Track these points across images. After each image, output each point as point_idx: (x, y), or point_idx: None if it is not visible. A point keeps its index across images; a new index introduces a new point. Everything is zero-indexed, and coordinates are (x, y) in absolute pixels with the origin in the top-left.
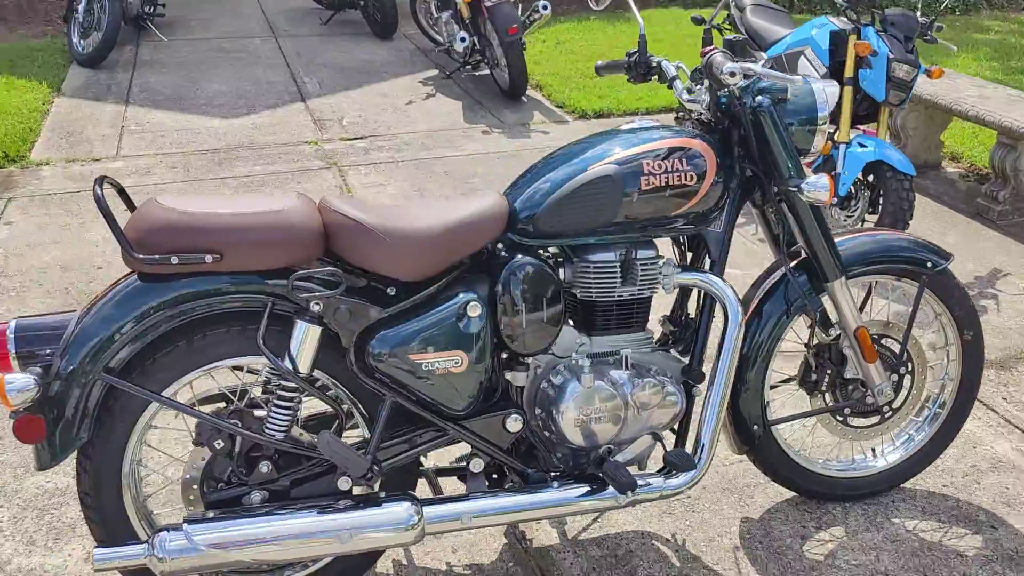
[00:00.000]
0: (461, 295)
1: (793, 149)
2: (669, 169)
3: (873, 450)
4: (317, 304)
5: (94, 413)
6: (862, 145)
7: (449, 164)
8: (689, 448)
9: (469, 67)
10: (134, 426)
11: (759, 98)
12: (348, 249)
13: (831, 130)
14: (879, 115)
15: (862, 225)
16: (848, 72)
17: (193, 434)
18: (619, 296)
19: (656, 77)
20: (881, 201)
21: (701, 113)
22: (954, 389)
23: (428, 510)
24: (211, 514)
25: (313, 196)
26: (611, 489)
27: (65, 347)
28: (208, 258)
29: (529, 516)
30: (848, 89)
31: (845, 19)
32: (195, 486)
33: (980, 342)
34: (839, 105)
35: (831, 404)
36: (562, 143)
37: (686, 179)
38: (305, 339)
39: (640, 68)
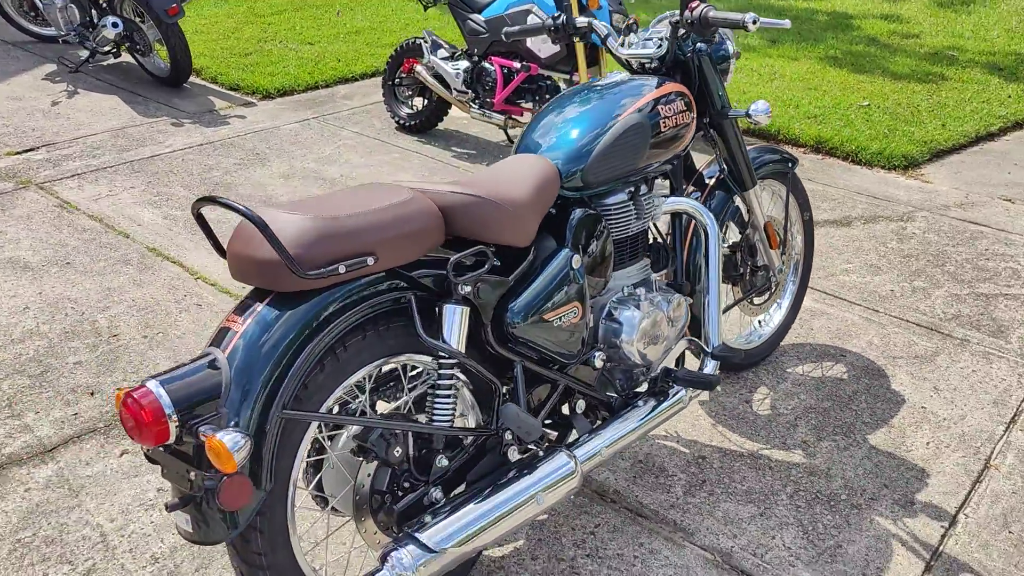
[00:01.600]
0: (561, 252)
1: (723, 84)
2: (675, 111)
3: (759, 321)
4: (467, 285)
5: (274, 459)
6: None
7: (168, 162)
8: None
9: (100, 56)
10: (295, 462)
11: (700, 44)
12: (472, 226)
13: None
14: (599, 59)
15: None
16: None
17: (357, 450)
18: (632, 231)
19: (578, 37)
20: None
21: (644, 62)
22: (801, 260)
23: (576, 452)
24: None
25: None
26: (675, 396)
27: (239, 393)
28: (370, 260)
29: (635, 436)
30: (577, 39)
31: None
32: (365, 506)
33: (812, 221)
34: (574, 54)
35: (749, 289)
36: (268, 125)
37: (685, 118)
38: (458, 321)
39: (568, 29)
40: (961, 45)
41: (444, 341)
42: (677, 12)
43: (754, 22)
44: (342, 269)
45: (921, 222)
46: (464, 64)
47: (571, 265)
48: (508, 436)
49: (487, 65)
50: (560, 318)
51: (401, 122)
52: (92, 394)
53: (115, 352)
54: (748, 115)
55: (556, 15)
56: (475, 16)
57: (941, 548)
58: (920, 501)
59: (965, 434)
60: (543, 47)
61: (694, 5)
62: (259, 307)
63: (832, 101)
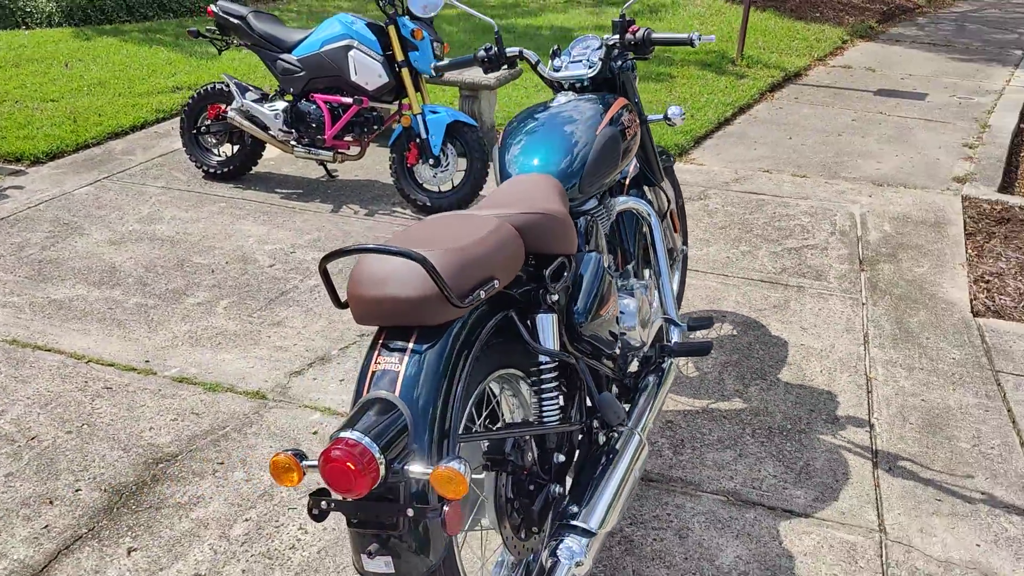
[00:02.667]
0: (592, 255)
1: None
2: (629, 121)
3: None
4: (555, 294)
5: None
6: (434, 112)
7: None
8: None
9: None
10: None
11: (626, 62)
12: (541, 240)
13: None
14: (420, 86)
15: (452, 177)
16: (399, 56)
17: (491, 464)
18: (605, 231)
19: (506, 65)
20: (467, 151)
21: (574, 83)
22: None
23: (638, 430)
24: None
25: None
26: (670, 367)
27: (424, 428)
28: (496, 283)
29: (660, 408)
30: (405, 70)
31: (359, 16)
32: (504, 515)
33: (684, 205)
34: (402, 84)
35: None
36: (56, 192)
37: (635, 126)
38: (552, 327)
39: (501, 60)
40: (672, 48)
41: (545, 346)
42: (609, 36)
43: (699, 38)
44: (482, 295)
45: (716, 198)
46: (281, 105)
47: (602, 265)
48: (595, 424)
49: (308, 104)
50: (607, 313)
51: (211, 170)
52: (51, 502)
53: (46, 455)
54: (667, 119)
55: (488, 47)
56: (286, 56)
57: (874, 447)
58: (841, 416)
59: (841, 358)
60: (370, 80)
61: (635, 29)
62: (411, 344)
63: None
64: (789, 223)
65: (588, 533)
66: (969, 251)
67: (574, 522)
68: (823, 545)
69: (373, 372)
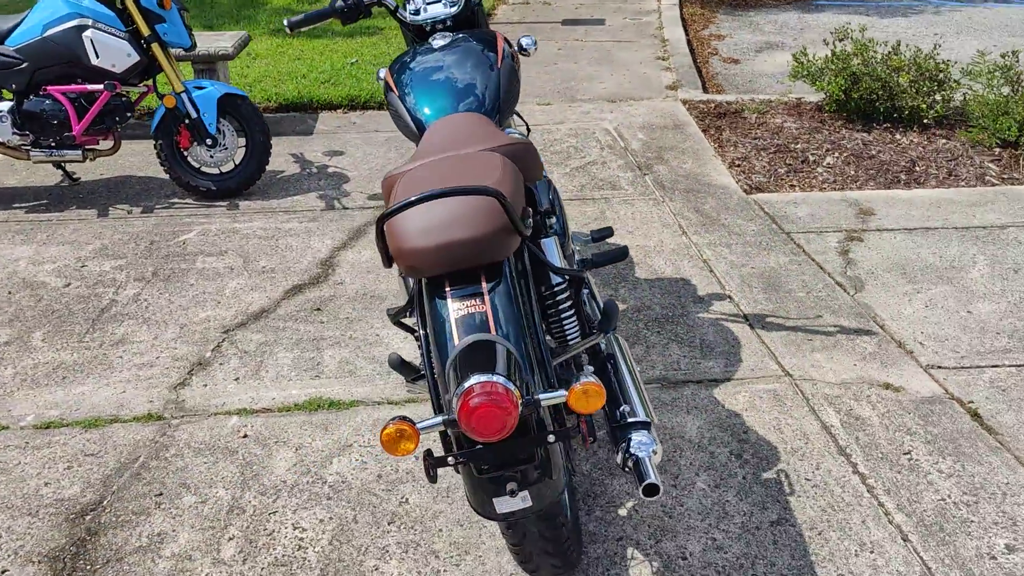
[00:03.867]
0: (545, 179)
1: None
2: (512, 53)
3: None
4: (551, 217)
5: None
6: (200, 87)
7: None
8: None
9: None
10: None
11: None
12: (528, 169)
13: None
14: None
15: (233, 156)
16: (145, 31)
17: None
18: None
19: (362, 14)
20: (245, 125)
21: (427, 23)
22: None
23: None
24: None
25: None
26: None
27: (523, 358)
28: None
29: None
30: (155, 44)
31: None
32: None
33: None
34: (155, 62)
35: None
36: None
37: (517, 57)
38: (556, 249)
39: (360, 8)
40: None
41: (555, 266)
42: None
43: None
44: (531, 222)
45: None
46: (5, 105)
47: (553, 187)
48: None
49: (40, 100)
50: (570, 230)
51: None
52: None
53: None
54: (523, 49)
55: None
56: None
57: (742, 312)
58: (704, 295)
59: (674, 249)
60: (118, 61)
61: None
62: (484, 284)
63: (333, 65)
64: (562, 146)
65: (646, 424)
66: (712, 144)
67: (630, 420)
68: (754, 398)
69: (456, 320)
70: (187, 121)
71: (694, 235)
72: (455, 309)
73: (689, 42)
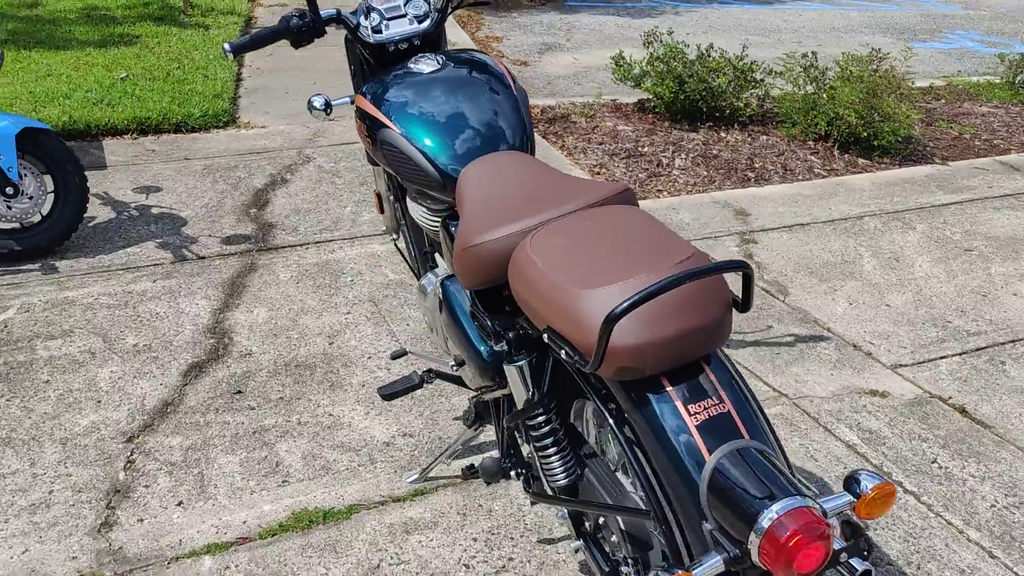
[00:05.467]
0: None
1: None
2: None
3: None
4: None
5: None
6: None
7: None
8: None
9: None
10: None
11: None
12: None
13: None
14: None
15: (39, 205)
16: None
17: None
18: None
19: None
20: (53, 165)
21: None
22: None
23: None
24: None
25: None
26: None
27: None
28: None
29: None
30: None
31: None
32: None
33: None
34: None
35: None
36: None
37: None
38: None
39: (316, 27)
40: (114, 5)
41: None
42: None
43: None
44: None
45: (322, 157)
46: None
47: None
48: None
49: None
50: None
51: None
52: None
53: None
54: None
55: (300, 12)
56: None
57: (735, 352)
58: None
59: None
60: None
61: None
62: (711, 376)
63: (101, 81)
64: None
65: None
66: (561, 152)
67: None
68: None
69: (699, 427)
70: None
71: None
72: (693, 413)
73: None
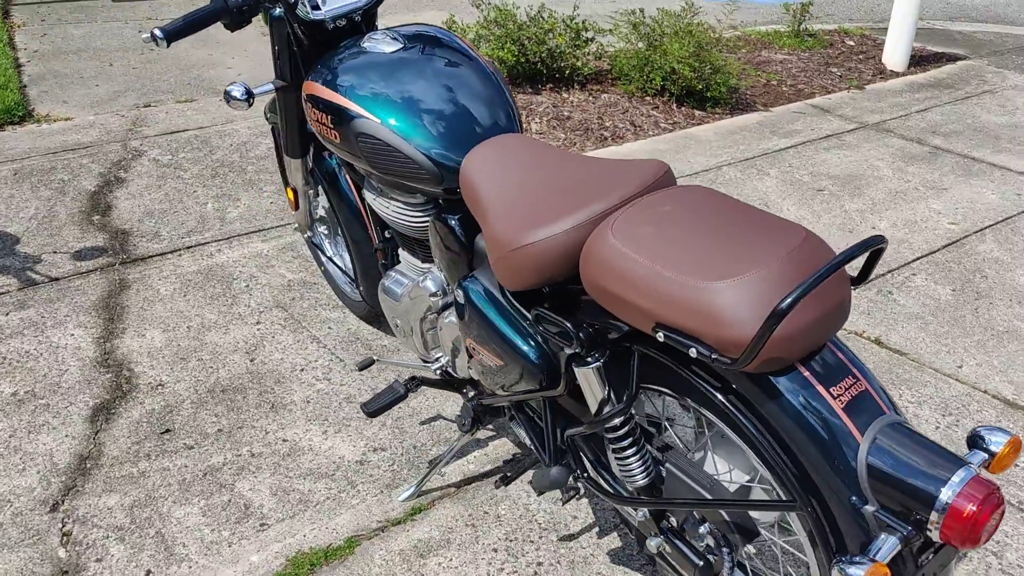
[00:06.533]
0: None
1: None
2: None
3: None
4: None
5: None
6: None
7: None
8: None
9: None
10: None
11: None
12: None
13: None
14: None
15: None
16: None
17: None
18: None
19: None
20: None
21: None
22: None
23: None
24: None
25: None
26: None
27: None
28: None
29: None
30: None
31: None
32: None
33: None
34: None
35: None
36: None
37: None
38: None
39: (255, 7)
40: None
41: None
42: None
43: None
44: None
45: (156, 150)
46: None
47: None
48: None
49: None
50: None
51: None
52: None
53: None
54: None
55: None
56: None
57: None
58: None
59: None
60: None
61: None
62: (842, 356)
63: None
64: (254, 149)
65: None
66: None
67: None
68: None
69: (845, 408)
70: None
71: None
72: (836, 396)
73: None
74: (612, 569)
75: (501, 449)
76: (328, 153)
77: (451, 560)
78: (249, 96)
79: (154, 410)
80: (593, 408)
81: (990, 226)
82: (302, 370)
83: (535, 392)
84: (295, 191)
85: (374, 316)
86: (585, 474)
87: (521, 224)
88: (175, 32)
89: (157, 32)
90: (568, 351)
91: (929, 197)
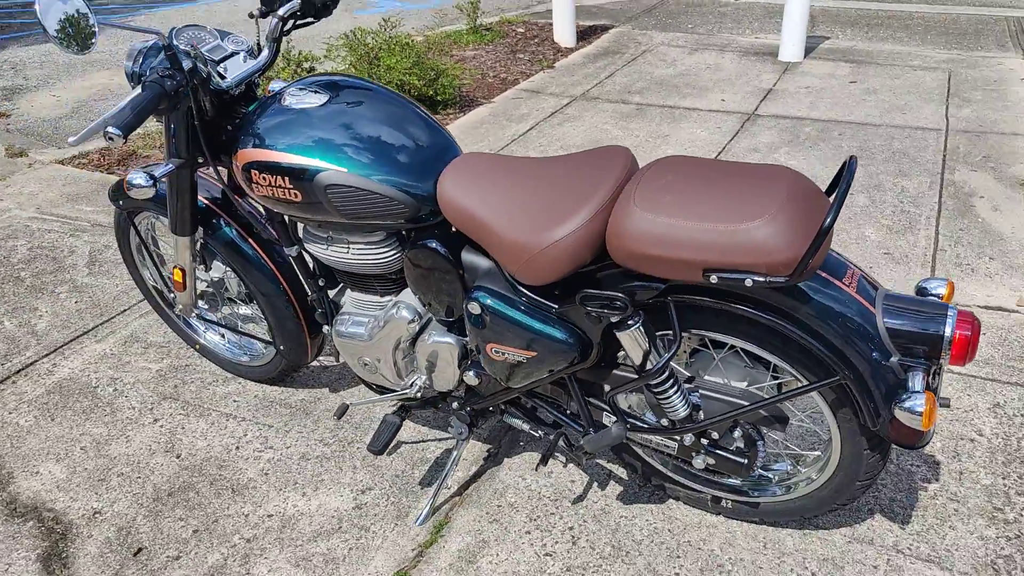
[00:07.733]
0: None
1: None
2: None
3: None
4: None
5: None
6: None
7: None
8: None
9: None
10: None
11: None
12: None
13: None
14: None
15: None
16: None
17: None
18: None
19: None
20: None
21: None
22: None
23: None
24: None
25: None
26: None
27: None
28: None
29: None
30: None
31: None
32: None
33: None
34: None
35: None
36: None
37: None
38: None
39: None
40: None
41: None
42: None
43: None
44: None
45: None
46: None
47: None
48: None
49: None
50: None
51: None
52: None
53: None
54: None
55: (166, 71)
56: None
57: None
58: None
59: None
60: None
61: None
62: (835, 255)
63: None
64: (12, 254)
65: None
66: None
67: None
68: None
69: (855, 291)
70: None
71: None
72: (848, 285)
73: None
74: (628, 509)
75: (474, 449)
76: (225, 222)
77: (498, 555)
78: (153, 183)
79: (109, 537)
80: (637, 363)
81: (717, 155)
82: (237, 448)
83: (565, 369)
84: (183, 270)
85: (278, 375)
86: (630, 421)
87: (538, 227)
88: (129, 127)
89: (112, 129)
90: (613, 319)
91: (660, 144)
